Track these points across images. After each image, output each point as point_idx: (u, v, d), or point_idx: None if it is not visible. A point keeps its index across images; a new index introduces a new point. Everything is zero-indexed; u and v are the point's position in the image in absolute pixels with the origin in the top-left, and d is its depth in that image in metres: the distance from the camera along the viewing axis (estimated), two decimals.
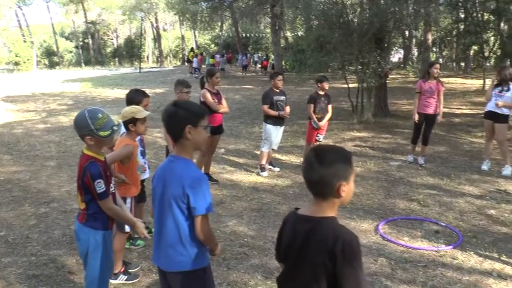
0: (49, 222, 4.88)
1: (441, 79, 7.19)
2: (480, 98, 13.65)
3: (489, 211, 5.18)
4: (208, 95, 5.97)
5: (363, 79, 10.81)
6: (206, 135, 2.25)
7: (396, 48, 15.61)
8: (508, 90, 6.49)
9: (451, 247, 4.21)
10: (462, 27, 20.19)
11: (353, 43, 10.73)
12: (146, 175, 4.24)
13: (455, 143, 8.92)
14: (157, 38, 51.87)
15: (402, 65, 27.96)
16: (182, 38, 50.84)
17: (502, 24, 19.49)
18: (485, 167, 6.90)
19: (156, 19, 50.10)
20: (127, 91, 4.27)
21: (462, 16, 19.48)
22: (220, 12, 32.53)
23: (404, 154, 7.81)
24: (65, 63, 51.32)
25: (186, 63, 34.68)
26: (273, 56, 28.98)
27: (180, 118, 2.16)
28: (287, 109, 6.74)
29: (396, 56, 26.07)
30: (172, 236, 2.19)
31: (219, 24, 41.12)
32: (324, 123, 6.93)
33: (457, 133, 9.87)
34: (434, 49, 34.68)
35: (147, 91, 4.45)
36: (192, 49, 34.86)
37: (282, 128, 6.91)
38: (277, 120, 6.66)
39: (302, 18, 14.64)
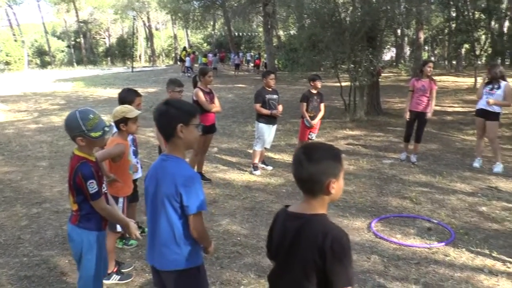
0: (41, 223, 4.84)
1: (433, 77, 7.23)
2: (471, 96, 13.76)
3: (481, 208, 5.23)
4: (201, 94, 5.96)
5: (355, 78, 10.85)
6: (198, 134, 2.25)
7: (388, 46, 15.65)
8: (498, 88, 6.54)
9: (443, 244, 4.24)
10: (453, 25, 20.31)
11: (345, 42, 10.77)
12: (139, 174, 4.22)
13: (447, 141, 8.99)
14: (150, 37, 51.76)
15: (394, 64, 28.07)
16: (175, 37, 50.73)
17: (492, 23, 19.66)
18: (476, 164, 6.96)
19: (148, 18, 49.99)
20: (119, 90, 4.24)
21: (454, 14, 19.61)
22: (213, 11, 32.55)
23: (397, 152, 7.86)
24: (57, 63, 50.80)
25: (178, 62, 34.63)
26: (265, 55, 28.95)
27: (171, 117, 2.15)
28: (280, 108, 6.75)
29: (388, 54, 26.17)
30: (166, 235, 2.19)
31: (212, 23, 41.04)
32: (316, 121, 6.94)
33: (449, 131, 9.95)
34: (426, 48, 34.96)
35: (140, 90, 4.43)
36: (184, 48, 34.79)
37: (275, 127, 6.92)
38: (270, 119, 6.66)
39: (295, 17, 14.61)
